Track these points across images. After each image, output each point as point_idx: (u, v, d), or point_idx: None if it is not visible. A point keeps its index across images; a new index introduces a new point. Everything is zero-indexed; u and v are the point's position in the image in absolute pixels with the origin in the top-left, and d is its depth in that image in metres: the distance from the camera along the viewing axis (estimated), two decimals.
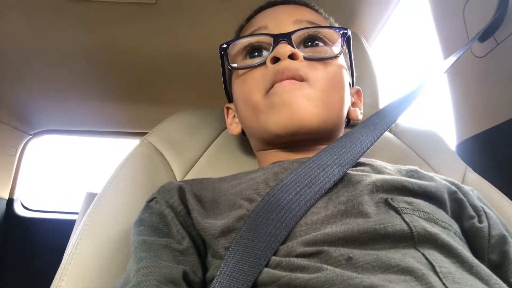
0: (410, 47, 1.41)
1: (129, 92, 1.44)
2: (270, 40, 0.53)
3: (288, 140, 0.52)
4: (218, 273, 0.35)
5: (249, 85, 0.54)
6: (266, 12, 0.59)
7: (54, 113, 1.63)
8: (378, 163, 0.49)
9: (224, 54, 0.57)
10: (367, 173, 0.45)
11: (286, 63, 0.50)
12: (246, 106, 0.55)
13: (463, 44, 0.74)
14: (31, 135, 1.79)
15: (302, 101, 0.49)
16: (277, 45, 0.52)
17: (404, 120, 0.76)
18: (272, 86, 0.51)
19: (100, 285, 0.45)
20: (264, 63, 0.52)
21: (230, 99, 0.65)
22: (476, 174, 0.66)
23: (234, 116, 0.63)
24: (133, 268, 0.37)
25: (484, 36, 0.74)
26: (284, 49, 0.50)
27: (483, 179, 0.65)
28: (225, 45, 0.57)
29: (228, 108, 0.65)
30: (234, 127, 0.62)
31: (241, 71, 0.56)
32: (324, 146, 0.49)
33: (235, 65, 0.57)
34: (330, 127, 0.53)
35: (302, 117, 0.49)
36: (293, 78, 0.50)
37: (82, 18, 1.01)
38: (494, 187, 0.63)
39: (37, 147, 1.88)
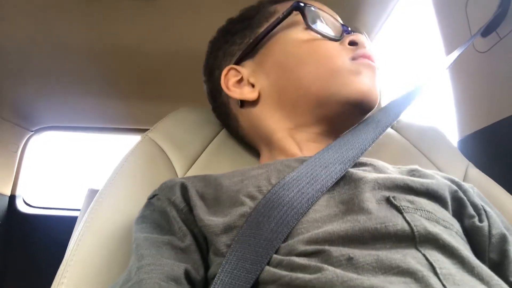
0: (412, 43, 1.40)
1: (130, 88, 1.44)
2: (338, 26, 0.57)
3: (346, 113, 0.54)
4: (219, 270, 0.35)
5: (330, 50, 0.54)
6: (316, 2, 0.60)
7: (56, 109, 1.62)
8: (380, 163, 0.49)
9: (300, 10, 0.54)
10: (369, 172, 0.45)
11: (366, 50, 0.54)
12: (319, 67, 0.53)
13: (466, 39, 0.74)
14: (32, 131, 1.79)
15: (377, 82, 0.54)
16: (344, 34, 0.56)
17: (406, 116, 0.76)
18: (356, 58, 0.53)
19: (102, 282, 0.45)
20: (338, 40, 0.55)
21: (241, 59, 0.59)
22: (478, 170, 0.66)
23: (239, 80, 0.58)
24: (135, 266, 0.37)
25: (486, 31, 0.73)
26: (364, 39, 0.54)
27: (485, 175, 0.65)
28: (302, 4, 0.54)
29: (231, 70, 0.59)
30: (247, 91, 0.57)
31: (312, 34, 0.54)
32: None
33: (315, 27, 0.55)
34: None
35: (376, 94, 0.53)
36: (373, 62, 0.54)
37: (84, 14, 1.01)
38: (496, 183, 0.62)
39: (38, 143, 1.88)
